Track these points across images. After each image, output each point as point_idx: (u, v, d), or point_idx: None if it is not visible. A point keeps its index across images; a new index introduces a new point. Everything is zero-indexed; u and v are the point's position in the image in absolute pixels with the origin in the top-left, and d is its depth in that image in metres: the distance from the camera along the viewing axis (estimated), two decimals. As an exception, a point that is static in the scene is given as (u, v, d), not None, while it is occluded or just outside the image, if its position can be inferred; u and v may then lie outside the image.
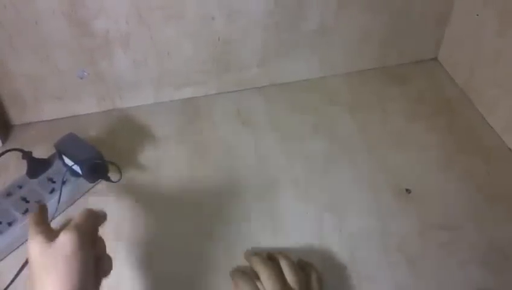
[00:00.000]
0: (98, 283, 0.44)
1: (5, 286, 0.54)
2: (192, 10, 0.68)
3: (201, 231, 0.60)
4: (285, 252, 0.53)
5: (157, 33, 0.69)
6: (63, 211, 0.62)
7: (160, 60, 0.72)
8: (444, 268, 0.55)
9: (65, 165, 0.62)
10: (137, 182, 0.66)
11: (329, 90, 0.79)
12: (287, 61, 0.78)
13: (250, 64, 0.77)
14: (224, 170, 0.67)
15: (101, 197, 0.64)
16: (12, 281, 0.55)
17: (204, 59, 0.74)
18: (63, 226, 0.45)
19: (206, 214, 0.62)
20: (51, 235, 0.43)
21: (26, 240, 0.58)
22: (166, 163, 0.68)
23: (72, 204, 0.63)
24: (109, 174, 0.62)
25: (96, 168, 0.60)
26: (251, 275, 0.50)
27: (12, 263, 0.56)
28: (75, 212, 0.61)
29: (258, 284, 0.49)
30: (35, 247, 0.42)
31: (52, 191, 0.61)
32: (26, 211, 0.59)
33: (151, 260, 0.57)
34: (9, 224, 0.58)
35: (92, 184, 0.64)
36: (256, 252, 0.55)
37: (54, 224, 0.60)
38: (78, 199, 0.64)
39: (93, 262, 0.43)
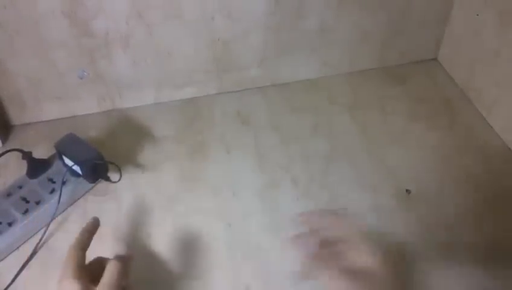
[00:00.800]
0: None
1: (5, 286, 0.54)
2: (192, 10, 0.68)
3: (201, 231, 0.60)
4: None
5: (157, 33, 0.69)
6: (63, 211, 0.62)
7: (160, 60, 0.72)
8: (443, 268, 0.55)
9: (65, 165, 0.62)
10: (137, 182, 0.66)
11: (329, 90, 0.79)
12: (287, 61, 0.78)
13: (250, 64, 0.77)
14: (224, 170, 0.67)
15: (100, 197, 0.64)
16: (12, 281, 0.55)
17: (204, 59, 0.74)
18: (94, 265, 0.46)
19: (206, 213, 0.62)
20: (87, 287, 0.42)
21: (26, 240, 0.59)
22: (166, 163, 0.68)
23: (72, 204, 0.63)
24: (109, 175, 0.62)
25: (96, 169, 0.60)
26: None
27: (12, 263, 0.57)
28: (75, 212, 0.62)
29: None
30: None
31: (52, 191, 0.61)
32: (26, 211, 0.59)
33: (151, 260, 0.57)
34: (10, 224, 0.58)
35: (92, 184, 0.64)
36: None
37: (54, 224, 0.60)
38: (78, 199, 0.64)
39: None
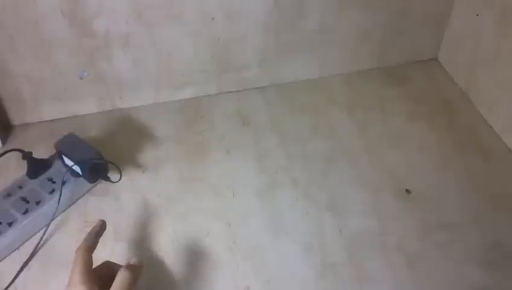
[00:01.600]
0: None
1: (4, 286, 0.54)
2: (192, 10, 0.68)
3: (201, 231, 0.60)
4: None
5: (157, 33, 0.69)
6: (63, 211, 0.62)
7: (160, 60, 0.72)
8: (443, 268, 0.55)
9: (65, 165, 0.62)
10: (137, 182, 0.66)
11: (329, 90, 0.79)
12: (286, 61, 0.78)
13: (250, 64, 0.77)
14: (224, 170, 0.67)
15: (101, 197, 0.64)
16: (12, 281, 0.55)
17: (204, 59, 0.74)
18: (102, 270, 0.46)
19: (206, 214, 0.62)
20: None
21: (26, 240, 0.59)
22: (166, 163, 0.68)
23: (72, 204, 0.63)
24: (109, 175, 0.62)
25: (96, 169, 0.60)
26: None
27: (12, 263, 0.57)
28: (75, 212, 0.62)
29: None
30: None
31: (52, 191, 0.61)
32: (26, 212, 0.59)
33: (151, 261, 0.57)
34: (9, 224, 0.58)
35: (92, 184, 0.64)
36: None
37: (54, 224, 0.60)
38: (78, 199, 0.64)
39: None
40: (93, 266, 0.45)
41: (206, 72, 0.76)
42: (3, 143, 0.71)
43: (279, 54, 0.77)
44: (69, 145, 0.62)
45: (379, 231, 0.59)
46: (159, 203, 0.63)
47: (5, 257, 0.57)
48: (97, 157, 0.60)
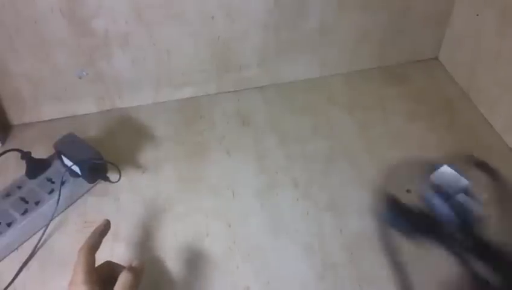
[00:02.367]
0: None
1: (4, 287, 0.54)
2: (192, 9, 0.68)
3: (201, 231, 0.60)
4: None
5: (157, 32, 0.69)
6: (62, 212, 0.62)
7: (159, 60, 0.72)
8: (443, 268, 0.55)
9: (64, 165, 0.62)
10: (137, 182, 0.66)
11: (329, 90, 0.79)
12: (287, 61, 0.78)
13: (250, 63, 0.77)
14: (223, 170, 0.67)
15: (100, 198, 0.64)
16: (11, 281, 0.55)
17: (204, 59, 0.74)
18: (103, 269, 0.46)
19: (206, 214, 0.62)
20: None
21: (25, 241, 0.58)
22: (166, 163, 0.68)
23: (71, 204, 0.63)
24: (108, 175, 0.62)
25: (96, 169, 0.60)
26: None
27: (11, 263, 0.56)
28: (74, 212, 0.62)
29: None
30: None
31: (52, 191, 0.61)
32: (25, 212, 0.59)
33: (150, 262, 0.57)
34: (8, 225, 0.57)
35: (91, 184, 0.64)
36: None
37: (53, 224, 0.60)
38: (77, 199, 0.63)
39: None
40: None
41: (205, 72, 0.76)
42: (2, 143, 0.71)
43: (279, 54, 0.77)
44: (68, 145, 0.61)
45: (379, 230, 0.59)
46: (158, 203, 0.63)
47: (4, 257, 0.57)
48: (96, 157, 0.60)
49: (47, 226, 0.59)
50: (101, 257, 0.57)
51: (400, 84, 0.80)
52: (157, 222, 0.61)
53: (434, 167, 0.38)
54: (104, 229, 0.49)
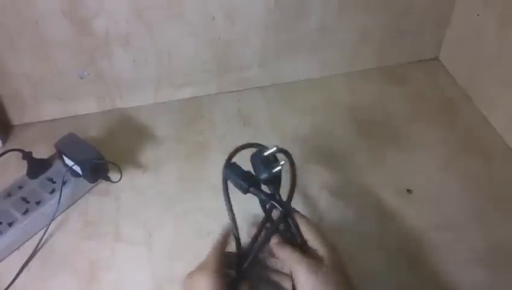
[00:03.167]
0: None
1: (5, 286, 0.54)
2: (193, 10, 0.68)
3: (201, 231, 0.60)
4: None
5: (158, 33, 0.69)
6: (64, 211, 0.62)
7: (160, 60, 0.72)
8: (443, 268, 0.55)
9: (65, 165, 0.62)
10: (138, 182, 0.66)
11: (329, 90, 0.79)
12: (287, 61, 0.78)
13: (250, 64, 0.77)
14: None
15: (101, 197, 0.64)
16: (12, 281, 0.55)
17: (204, 59, 0.74)
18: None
19: (206, 214, 0.62)
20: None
21: (27, 240, 0.59)
22: (167, 163, 0.68)
23: (72, 204, 0.63)
24: (109, 175, 0.62)
25: (97, 169, 0.60)
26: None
27: (12, 263, 0.57)
28: (76, 212, 0.62)
29: None
30: None
31: (53, 191, 0.61)
32: (26, 212, 0.59)
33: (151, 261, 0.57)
34: (10, 224, 0.58)
35: (92, 184, 0.64)
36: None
37: (54, 224, 0.60)
38: (78, 199, 0.63)
39: None
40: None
41: (206, 72, 0.76)
42: (3, 143, 0.71)
43: (280, 54, 0.77)
44: (69, 145, 0.61)
45: (379, 231, 0.59)
46: (159, 203, 0.63)
47: (5, 257, 0.57)
48: (97, 157, 0.60)
49: (48, 226, 0.59)
50: (101, 257, 0.58)
51: (400, 84, 0.80)
52: (157, 222, 0.61)
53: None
54: (226, 233, 0.51)
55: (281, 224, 0.48)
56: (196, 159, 0.69)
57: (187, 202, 0.63)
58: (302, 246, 0.47)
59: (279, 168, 0.51)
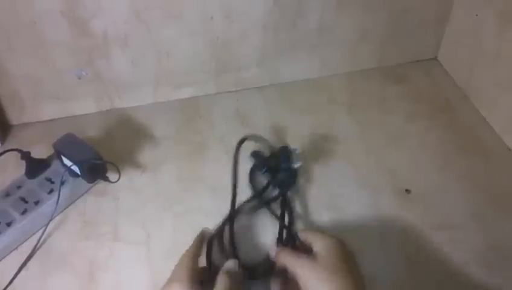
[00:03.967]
0: None
1: (3, 287, 0.54)
2: (191, 10, 0.68)
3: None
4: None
5: (156, 33, 0.69)
6: (62, 212, 0.62)
7: (159, 60, 0.72)
8: (444, 268, 0.55)
9: (64, 165, 0.62)
10: (136, 182, 0.66)
11: (328, 90, 0.79)
12: (286, 61, 0.78)
13: (249, 64, 0.77)
14: (223, 170, 0.67)
15: (99, 197, 0.64)
16: (11, 281, 0.55)
17: (203, 59, 0.74)
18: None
19: (205, 213, 0.62)
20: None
21: (25, 241, 0.58)
22: (165, 163, 0.68)
23: (70, 204, 0.63)
24: (108, 175, 0.62)
25: (95, 169, 0.60)
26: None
27: (10, 263, 0.56)
28: (74, 212, 0.62)
29: None
30: None
31: (51, 191, 0.61)
32: (24, 212, 0.59)
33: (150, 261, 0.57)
34: (8, 224, 0.57)
35: (90, 184, 0.64)
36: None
37: (53, 224, 0.60)
38: (76, 199, 0.63)
39: None
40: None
41: (205, 72, 0.76)
42: (2, 143, 0.71)
43: (279, 54, 0.77)
44: (67, 145, 0.61)
45: (379, 231, 0.59)
46: (158, 203, 0.63)
47: (3, 257, 0.57)
48: (96, 157, 0.60)
49: (46, 226, 0.59)
50: (100, 257, 0.58)
51: (400, 84, 0.80)
52: (156, 222, 0.61)
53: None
54: (201, 237, 0.53)
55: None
56: (195, 159, 0.69)
57: (186, 201, 0.63)
58: (301, 247, 0.48)
59: (299, 163, 0.59)
